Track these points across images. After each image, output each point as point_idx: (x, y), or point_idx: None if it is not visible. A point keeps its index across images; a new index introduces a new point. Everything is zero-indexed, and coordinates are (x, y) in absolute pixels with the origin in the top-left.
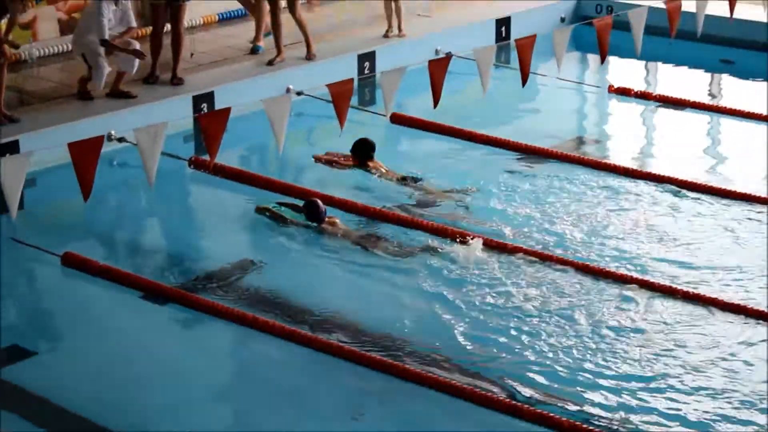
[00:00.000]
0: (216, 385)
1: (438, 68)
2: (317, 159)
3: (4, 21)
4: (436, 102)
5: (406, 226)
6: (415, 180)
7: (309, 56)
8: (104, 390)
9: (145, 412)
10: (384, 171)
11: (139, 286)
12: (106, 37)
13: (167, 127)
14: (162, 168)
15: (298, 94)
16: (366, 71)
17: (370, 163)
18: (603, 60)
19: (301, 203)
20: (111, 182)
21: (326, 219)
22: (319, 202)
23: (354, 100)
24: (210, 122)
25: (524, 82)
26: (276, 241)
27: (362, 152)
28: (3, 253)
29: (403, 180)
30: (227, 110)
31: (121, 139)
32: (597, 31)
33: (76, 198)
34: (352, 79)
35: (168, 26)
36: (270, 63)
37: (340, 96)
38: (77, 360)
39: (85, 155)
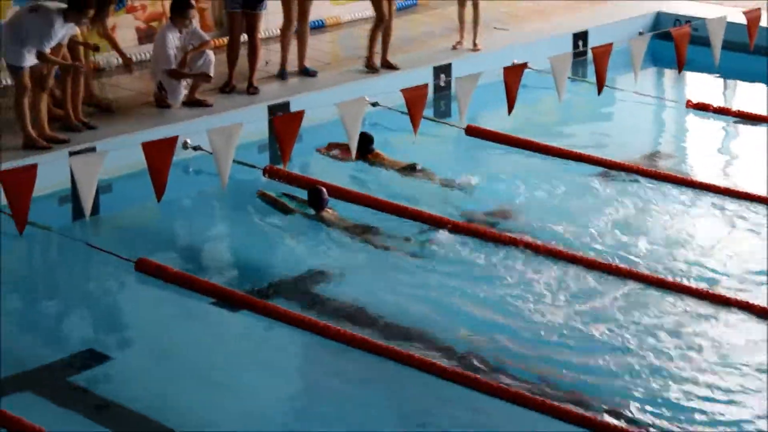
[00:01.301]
0: (286, 393)
1: (513, 75)
2: (321, 151)
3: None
4: (510, 109)
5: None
6: (418, 169)
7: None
8: (175, 395)
9: (216, 417)
10: (387, 161)
11: (210, 293)
12: (173, 67)
13: (242, 132)
14: (237, 177)
15: (374, 105)
16: (442, 83)
17: (370, 156)
18: (681, 69)
19: (303, 196)
20: (186, 190)
21: (327, 208)
22: (324, 190)
23: (429, 113)
24: (284, 125)
25: (600, 90)
26: (349, 252)
27: (360, 147)
28: (78, 258)
29: (406, 169)
30: (300, 113)
31: (196, 148)
32: (675, 39)
33: (151, 204)
34: (426, 85)
35: (244, 36)
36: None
37: (414, 101)
38: (149, 365)
39: (159, 156)
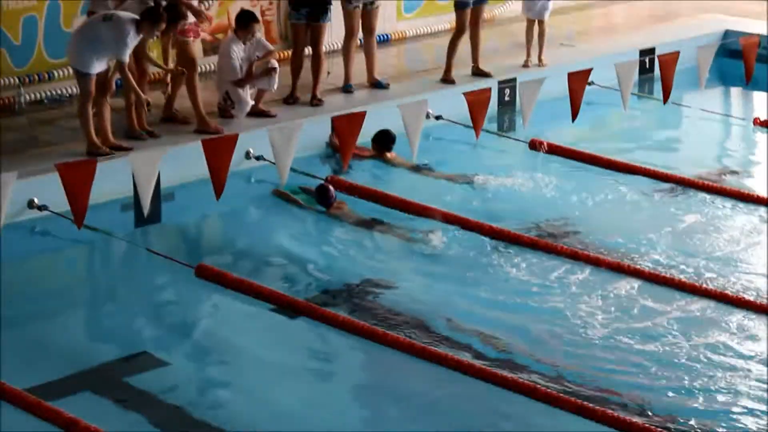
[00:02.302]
0: (345, 399)
1: (578, 81)
2: (333, 145)
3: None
4: (574, 115)
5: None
6: (429, 168)
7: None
8: (233, 400)
9: (274, 422)
10: (400, 162)
11: (269, 299)
12: (238, 77)
13: (303, 143)
14: (299, 185)
15: (437, 118)
16: (506, 98)
17: (389, 155)
18: (748, 80)
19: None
20: (247, 198)
21: (335, 204)
22: (330, 187)
23: (493, 127)
24: (344, 125)
25: (666, 98)
26: (406, 260)
27: (383, 143)
28: (139, 264)
29: (417, 168)
30: (362, 114)
31: (258, 158)
32: (743, 48)
33: (213, 213)
34: (489, 89)
35: (309, 49)
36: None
37: (476, 104)
38: (207, 369)
39: (219, 154)
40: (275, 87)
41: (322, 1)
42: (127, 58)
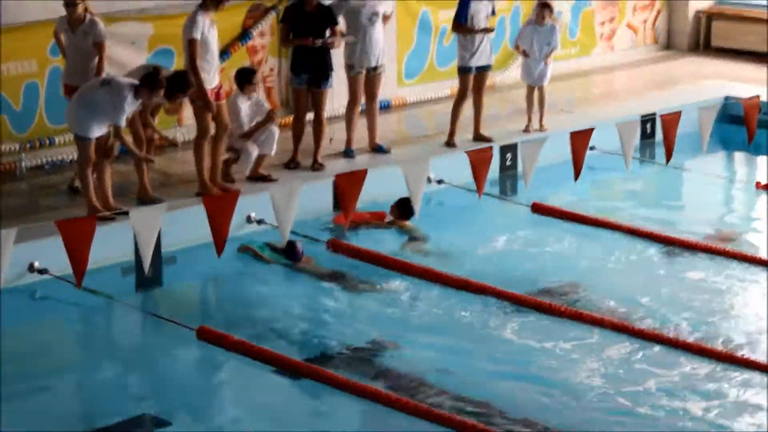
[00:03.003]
0: None
1: (580, 140)
2: (341, 222)
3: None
4: (577, 174)
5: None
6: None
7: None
8: None
9: None
10: (413, 229)
11: (272, 361)
12: (244, 130)
13: (305, 207)
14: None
15: (439, 182)
16: (508, 163)
17: (408, 223)
18: (750, 141)
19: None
20: (248, 262)
21: (303, 259)
22: (298, 243)
23: (495, 191)
24: (346, 182)
25: (668, 158)
26: (408, 319)
27: (405, 210)
28: (140, 327)
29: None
30: (364, 171)
31: (260, 221)
32: (744, 109)
33: (215, 276)
34: (491, 147)
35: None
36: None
37: (478, 163)
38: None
39: (220, 211)
40: (274, 151)
41: (324, 67)
42: (123, 122)
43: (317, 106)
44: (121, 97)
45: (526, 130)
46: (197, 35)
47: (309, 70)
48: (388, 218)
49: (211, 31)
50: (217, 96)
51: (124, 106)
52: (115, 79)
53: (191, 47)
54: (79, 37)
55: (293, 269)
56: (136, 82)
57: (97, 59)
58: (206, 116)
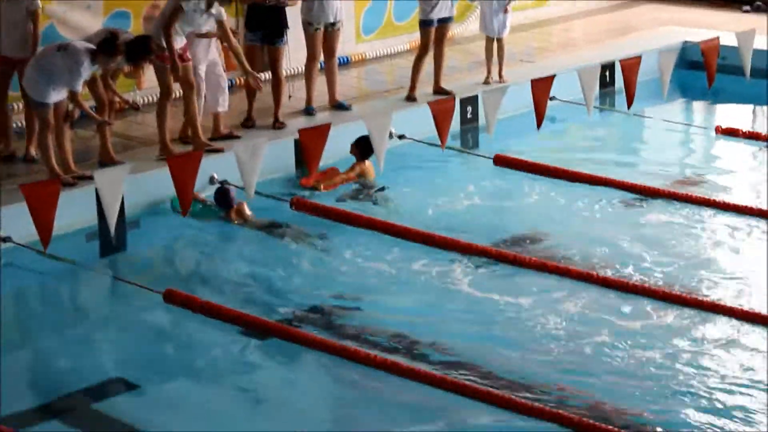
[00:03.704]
0: (318, 420)
1: (541, 88)
2: (309, 185)
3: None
4: (539, 122)
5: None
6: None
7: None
8: (206, 424)
9: None
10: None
11: (239, 321)
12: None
13: (268, 168)
14: (264, 208)
15: (400, 137)
16: (468, 116)
17: (367, 163)
18: (710, 83)
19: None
20: (214, 223)
21: (235, 206)
22: (231, 189)
23: (457, 144)
24: (310, 137)
25: (630, 103)
26: (373, 275)
27: (365, 147)
28: (106, 292)
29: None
30: (327, 126)
31: (223, 182)
32: (704, 52)
33: (179, 239)
34: (453, 98)
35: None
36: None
37: (441, 114)
38: (178, 394)
39: (184, 170)
40: (227, 106)
41: (278, 23)
42: (79, 88)
43: (274, 64)
44: (78, 62)
45: (486, 81)
46: (185, 4)
47: (263, 27)
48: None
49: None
50: (182, 57)
51: (81, 71)
52: (72, 44)
53: (174, 13)
54: (12, 5)
55: (237, 224)
56: (93, 47)
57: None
58: (169, 77)
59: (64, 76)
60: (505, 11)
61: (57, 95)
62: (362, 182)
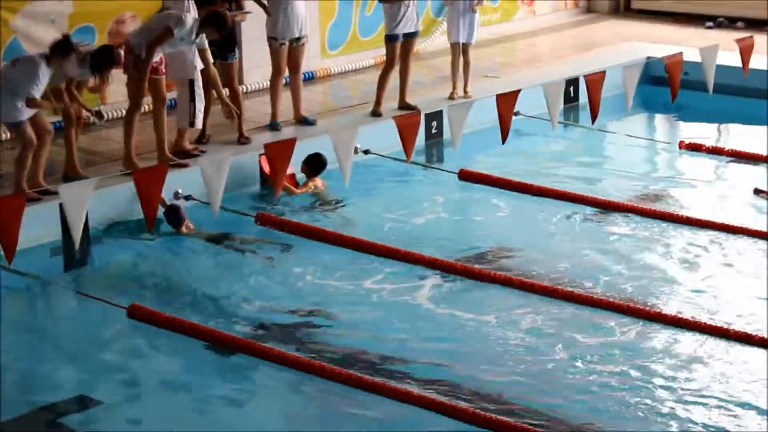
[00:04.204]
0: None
1: (506, 103)
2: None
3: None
4: (504, 137)
5: None
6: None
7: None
8: None
9: None
10: (322, 190)
11: (203, 336)
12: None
13: (232, 183)
14: (228, 223)
15: (365, 152)
16: (433, 131)
17: (318, 179)
18: (674, 98)
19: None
20: (177, 238)
21: (185, 223)
22: (181, 207)
23: (421, 159)
24: (276, 152)
25: (594, 118)
26: (338, 290)
27: (315, 165)
28: (70, 307)
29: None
30: (293, 140)
31: (188, 197)
32: (667, 67)
33: (143, 254)
34: (418, 113)
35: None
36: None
37: (406, 128)
38: (142, 410)
39: (150, 184)
40: (188, 124)
41: (228, 38)
42: (37, 93)
43: (229, 79)
44: (34, 66)
45: (451, 96)
46: (177, 31)
47: (213, 42)
48: (306, 188)
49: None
50: (156, 70)
51: (39, 74)
52: (24, 55)
53: (164, 35)
54: None
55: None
56: (45, 51)
57: None
58: (141, 89)
59: (25, 86)
60: (473, 11)
61: (28, 111)
62: (318, 197)
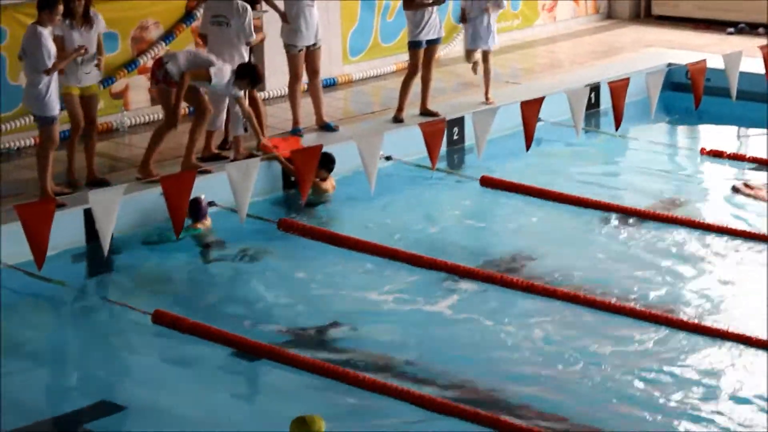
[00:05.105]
0: None
1: (530, 109)
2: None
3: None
4: (528, 144)
5: None
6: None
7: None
8: None
9: None
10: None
11: (228, 343)
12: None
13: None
14: (252, 229)
15: (387, 158)
16: (455, 137)
17: (326, 181)
18: (697, 104)
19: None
20: (203, 243)
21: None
22: (202, 199)
23: (443, 165)
24: (302, 159)
25: (617, 125)
26: (364, 297)
27: (325, 161)
28: (94, 313)
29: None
30: (319, 147)
31: (211, 203)
32: (691, 74)
33: (166, 260)
34: (443, 119)
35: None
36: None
37: (432, 134)
38: (167, 415)
39: (177, 191)
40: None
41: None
42: (48, 62)
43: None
44: (36, 37)
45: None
46: (214, 80)
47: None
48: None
49: None
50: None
51: (42, 41)
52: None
53: (203, 74)
54: None
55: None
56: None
57: None
58: (177, 113)
59: (40, 62)
60: (486, 10)
61: (58, 103)
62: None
